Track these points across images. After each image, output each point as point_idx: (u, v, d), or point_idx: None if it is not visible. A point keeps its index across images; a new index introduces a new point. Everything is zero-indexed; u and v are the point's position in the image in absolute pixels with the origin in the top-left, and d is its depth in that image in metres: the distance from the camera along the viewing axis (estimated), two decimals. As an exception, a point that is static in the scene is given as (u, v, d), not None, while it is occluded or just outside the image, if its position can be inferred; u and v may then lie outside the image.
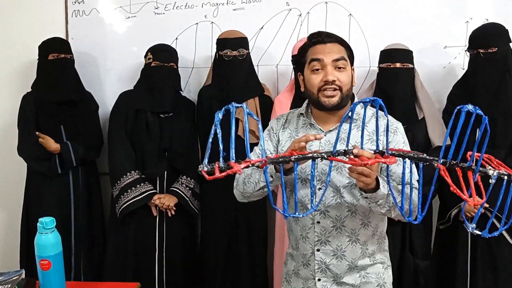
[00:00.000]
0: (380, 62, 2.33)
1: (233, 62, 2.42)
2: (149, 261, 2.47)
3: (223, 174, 0.95)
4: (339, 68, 1.42)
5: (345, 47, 1.46)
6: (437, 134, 2.24)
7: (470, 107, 0.98)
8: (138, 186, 2.41)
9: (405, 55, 2.28)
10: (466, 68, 2.41)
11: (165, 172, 2.50)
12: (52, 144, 2.49)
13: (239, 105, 0.99)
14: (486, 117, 0.99)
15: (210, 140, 0.97)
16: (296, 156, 1.10)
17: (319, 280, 1.51)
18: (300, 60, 1.51)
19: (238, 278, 2.53)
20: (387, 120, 1.21)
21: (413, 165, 1.35)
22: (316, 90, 1.43)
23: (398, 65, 2.26)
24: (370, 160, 1.11)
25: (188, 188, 2.49)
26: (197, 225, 2.70)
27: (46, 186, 2.56)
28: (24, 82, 2.77)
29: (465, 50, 2.30)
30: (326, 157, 1.14)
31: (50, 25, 2.84)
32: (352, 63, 1.48)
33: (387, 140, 1.17)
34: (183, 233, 2.55)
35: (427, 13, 2.55)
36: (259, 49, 2.69)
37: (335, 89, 1.41)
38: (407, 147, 1.47)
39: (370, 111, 1.49)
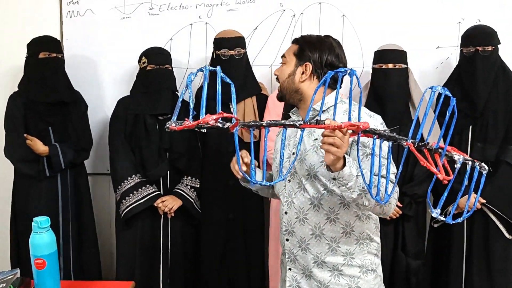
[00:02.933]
0: (373, 62, 2.35)
1: (230, 61, 2.43)
2: (154, 261, 2.49)
3: (194, 123, 0.96)
4: (283, 64, 1.57)
5: (299, 45, 1.54)
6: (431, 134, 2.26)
7: (439, 88, 1.00)
8: (140, 189, 2.42)
9: (398, 55, 2.30)
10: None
11: (168, 173, 2.51)
12: (40, 147, 2.44)
13: (213, 68, 1.02)
14: (454, 98, 1.00)
15: (180, 99, 1.00)
16: (269, 122, 1.09)
17: (290, 269, 1.57)
18: None
19: (234, 276, 2.54)
20: (357, 103, 1.21)
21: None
22: None
23: (390, 65, 2.28)
24: (342, 124, 1.11)
25: (193, 189, 2.50)
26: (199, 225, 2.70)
27: (33, 187, 2.50)
28: (18, 83, 2.76)
29: (460, 48, 2.32)
30: (298, 125, 1.13)
31: (45, 25, 2.83)
32: (306, 60, 1.50)
33: (359, 115, 1.19)
34: (186, 234, 2.56)
35: (419, 13, 2.57)
36: (253, 50, 2.70)
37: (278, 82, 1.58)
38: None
39: (344, 106, 1.49)
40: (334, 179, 1.29)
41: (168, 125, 0.97)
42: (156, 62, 2.45)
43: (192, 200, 2.49)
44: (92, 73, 2.87)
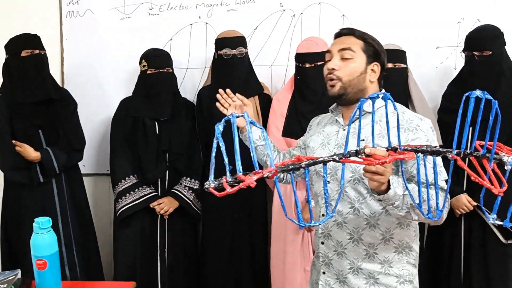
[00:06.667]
0: (373, 62, 2.35)
1: (232, 61, 2.44)
2: (151, 261, 2.49)
3: (235, 189, 0.88)
4: (346, 58, 1.43)
5: (363, 41, 1.44)
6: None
7: (478, 92, 0.94)
8: (136, 190, 2.44)
9: (397, 55, 2.30)
10: (458, 68, 2.44)
11: (167, 174, 2.51)
12: (31, 153, 2.31)
13: (240, 114, 0.95)
14: (496, 101, 0.96)
15: (214, 154, 0.91)
16: (307, 162, 1.02)
17: (323, 273, 1.51)
18: None
19: (240, 277, 2.54)
20: (397, 115, 1.15)
21: (440, 166, 1.31)
22: (325, 80, 1.47)
23: (389, 65, 2.27)
24: (387, 158, 1.05)
25: (191, 191, 2.50)
26: (199, 225, 2.70)
27: (27, 196, 2.38)
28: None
29: (461, 51, 2.31)
30: (338, 159, 1.07)
31: (44, 25, 2.82)
32: (375, 58, 1.45)
33: (398, 136, 1.12)
34: (185, 233, 2.57)
35: (419, 13, 2.58)
36: (253, 50, 2.69)
37: (333, 79, 1.43)
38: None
39: (390, 107, 1.33)
40: (380, 200, 1.27)
41: (206, 186, 0.92)
42: (156, 65, 2.45)
43: (190, 202, 2.49)
44: (92, 73, 2.86)
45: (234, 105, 1.72)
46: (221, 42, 2.46)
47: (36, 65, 2.38)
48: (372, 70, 1.44)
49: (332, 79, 1.44)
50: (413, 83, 2.36)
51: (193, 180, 2.52)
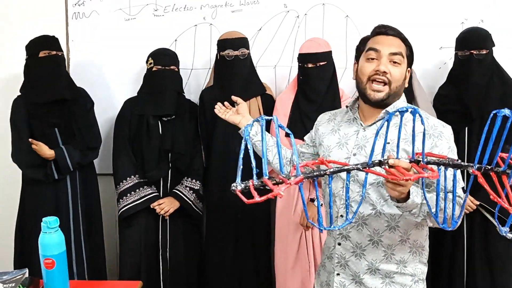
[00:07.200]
0: (376, 63, 2.36)
1: (234, 62, 2.45)
2: (152, 261, 2.51)
3: (263, 198, 0.86)
4: (394, 62, 1.39)
5: (406, 46, 1.43)
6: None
7: (507, 111, 0.94)
8: (137, 190, 2.46)
9: None
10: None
11: (169, 173, 2.53)
12: (46, 151, 2.38)
13: (269, 117, 0.94)
14: None
15: (241, 156, 0.89)
16: (332, 169, 1.04)
17: (338, 274, 1.50)
18: (359, 48, 1.50)
19: (242, 277, 2.55)
20: (424, 127, 1.14)
21: (458, 174, 1.33)
22: (366, 79, 1.40)
23: None
24: (411, 176, 1.06)
25: (192, 191, 2.51)
26: (202, 225, 2.72)
27: (43, 191, 2.46)
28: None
29: (455, 51, 2.34)
30: (361, 168, 1.08)
31: (51, 27, 2.83)
32: (410, 64, 1.45)
33: (423, 148, 1.11)
34: (186, 233, 2.58)
35: (422, 14, 2.59)
36: (258, 50, 2.71)
37: (384, 83, 1.38)
38: (453, 153, 1.38)
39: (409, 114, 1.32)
40: (397, 206, 1.27)
41: (233, 187, 0.90)
42: (162, 63, 2.47)
43: (190, 202, 2.50)
44: (98, 74, 2.88)
45: (231, 109, 1.79)
46: (223, 43, 2.47)
47: (52, 65, 2.46)
48: (406, 76, 1.44)
49: (381, 82, 1.39)
50: (417, 83, 2.37)
51: (194, 180, 2.53)
